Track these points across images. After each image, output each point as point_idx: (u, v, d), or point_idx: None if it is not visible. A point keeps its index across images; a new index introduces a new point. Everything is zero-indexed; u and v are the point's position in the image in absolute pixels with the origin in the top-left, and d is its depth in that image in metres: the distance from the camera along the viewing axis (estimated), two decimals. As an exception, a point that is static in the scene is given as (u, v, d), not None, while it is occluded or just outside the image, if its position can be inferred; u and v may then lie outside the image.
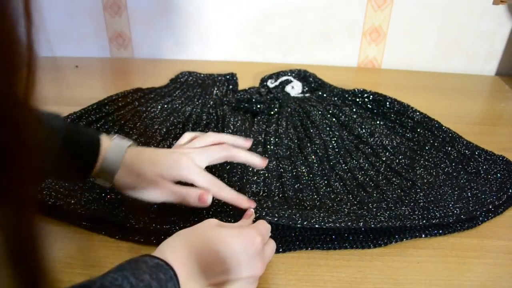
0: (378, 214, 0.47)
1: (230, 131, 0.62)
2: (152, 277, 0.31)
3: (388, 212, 0.47)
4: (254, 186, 0.52)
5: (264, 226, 0.41)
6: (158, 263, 0.33)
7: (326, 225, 0.44)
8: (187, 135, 0.51)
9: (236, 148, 0.49)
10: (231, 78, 0.84)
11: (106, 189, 0.48)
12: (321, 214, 0.45)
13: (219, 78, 0.84)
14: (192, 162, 0.45)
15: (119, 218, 0.46)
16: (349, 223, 0.44)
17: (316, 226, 0.44)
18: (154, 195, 0.44)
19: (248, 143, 0.52)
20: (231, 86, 0.82)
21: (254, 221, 0.43)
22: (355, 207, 0.49)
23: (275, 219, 0.43)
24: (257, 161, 0.49)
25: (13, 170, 0.19)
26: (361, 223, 0.44)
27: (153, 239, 0.45)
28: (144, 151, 0.46)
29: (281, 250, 0.44)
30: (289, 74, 0.82)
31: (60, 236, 0.46)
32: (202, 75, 0.85)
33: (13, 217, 0.20)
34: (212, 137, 0.50)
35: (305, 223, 0.44)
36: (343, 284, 0.41)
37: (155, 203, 0.46)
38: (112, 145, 0.44)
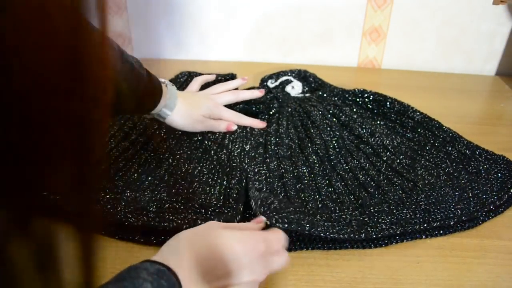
0: (380, 220, 0.47)
1: (231, 138, 0.63)
2: (154, 286, 0.31)
3: (389, 217, 0.47)
4: (257, 184, 0.52)
5: (274, 235, 0.39)
6: (159, 269, 0.32)
7: (330, 235, 0.44)
8: (196, 83, 0.71)
9: (240, 91, 0.70)
10: (231, 78, 0.84)
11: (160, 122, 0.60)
12: (326, 224, 0.45)
13: (219, 78, 0.84)
14: (218, 103, 0.65)
15: (118, 217, 0.46)
16: (351, 235, 0.44)
17: (322, 235, 0.44)
18: (197, 127, 0.62)
19: (244, 81, 0.73)
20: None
21: (265, 228, 0.43)
22: (357, 212, 0.49)
23: (286, 226, 0.42)
24: (257, 93, 0.70)
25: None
26: (363, 234, 0.45)
27: (153, 239, 0.45)
28: (187, 97, 0.63)
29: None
30: (289, 74, 0.82)
31: (60, 236, 0.46)
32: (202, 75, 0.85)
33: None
34: (222, 87, 0.70)
35: (312, 230, 0.43)
36: (343, 284, 0.41)
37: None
38: (169, 88, 0.59)
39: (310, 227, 0.43)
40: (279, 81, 0.80)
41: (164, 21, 0.94)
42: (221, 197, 0.51)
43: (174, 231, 0.44)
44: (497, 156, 0.58)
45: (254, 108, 0.70)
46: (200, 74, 0.85)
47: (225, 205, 0.49)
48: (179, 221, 0.46)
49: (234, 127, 0.64)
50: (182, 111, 0.60)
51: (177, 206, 0.48)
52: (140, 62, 0.55)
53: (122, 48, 0.52)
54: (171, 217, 0.46)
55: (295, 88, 0.79)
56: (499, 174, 0.55)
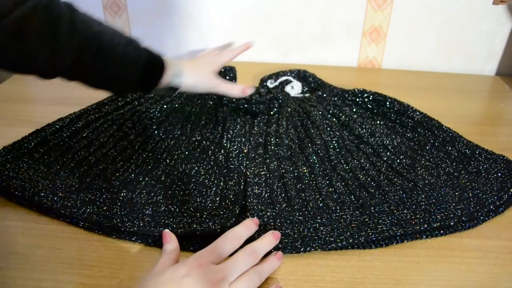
0: (380, 221, 0.47)
1: (230, 136, 0.63)
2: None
3: (390, 218, 0.47)
4: (256, 187, 0.52)
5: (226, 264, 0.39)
6: None
7: (328, 246, 0.44)
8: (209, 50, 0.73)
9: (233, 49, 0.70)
10: (230, 69, 0.84)
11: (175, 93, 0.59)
12: (323, 233, 0.46)
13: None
14: (216, 55, 0.67)
15: (114, 222, 0.46)
16: (350, 240, 0.45)
17: (318, 249, 0.44)
18: (209, 84, 0.61)
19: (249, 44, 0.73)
20: (227, 78, 0.82)
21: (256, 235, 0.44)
22: (357, 212, 0.49)
23: (279, 251, 0.44)
24: (245, 46, 0.72)
25: None
26: (363, 237, 0.45)
27: (150, 242, 0.45)
28: (186, 59, 0.63)
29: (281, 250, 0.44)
30: (288, 74, 0.82)
31: (60, 236, 0.46)
32: None
33: None
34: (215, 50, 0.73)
35: (307, 249, 0.44)
36: (343, 284, 0.41)
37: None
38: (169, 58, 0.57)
39: (304, 248, 0.44)
40: (278, 81, 0.80)
41: (164, 21, 0.94)
42: (217, 198, 0.51)
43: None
44: (497, 155, 0.58)
45: (254, 108, 0.70)
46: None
47: (221, 207, 0.49)
48: (174, 225, 0.46)
49: (250, 90, 0.63)
50: (190, 72, 0.59)
51: (173, 209, 0.48)
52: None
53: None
54: (166, 221, 0.46)
55: (294, 88, 0.79)
56: (499, 174, 0.55)
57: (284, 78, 0.80)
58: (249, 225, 0.44)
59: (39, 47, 0.43)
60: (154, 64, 0.54)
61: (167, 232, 0.43)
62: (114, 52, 0.48)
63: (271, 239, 0.43)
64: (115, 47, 0.49)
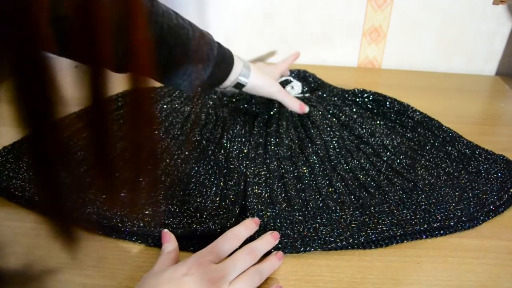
0: (380, 221, 0.47)
1: (230, 136, 0.63)
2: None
3: (390, 217, 0.47)
4: (256, 187, 0.52)
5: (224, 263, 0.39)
6: None
7: (328, 246, 0.44)
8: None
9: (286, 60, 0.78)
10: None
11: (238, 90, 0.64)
12: (323, 233, 0.46)
13: None
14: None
15: (114, 222, 0.46)
16: (350, 240, 0.45)
17: (318, 249, 0.44)
18: (271, 90, 0.65)
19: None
20: None
21: (255, 236, 0.44)
22: (357, 212, 0.49)
23: (279, 245, 0.44)
24: (295, 55, 0.79)
25: None
26: (362, 238, 0.45)
27: (150, 242, 0.45)
28: (260, 68, 0.66)
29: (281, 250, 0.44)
30: (289, 74, 0.82)
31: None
32: None
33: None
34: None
35: (307, 249, 0.44)
36: (343, 284, 0.41)
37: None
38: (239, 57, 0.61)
39: (304, 248, 0.44)
40: (278, 81, 0.80)
41: (164, 21, 0.94)
42: (217, 198, 0.51)
43: None
44: (497, 155, 0.58)
45: (254, 108, 0.70)
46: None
47: (221, 207, 0.49)
48: (174, 226, 0.46)
49: (307, 109, 0.67)
50: (257, 73, 0.62)
51: (173, 209, 0.48)
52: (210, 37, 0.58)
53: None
54: (166, 221, 0.46)
55: (294, 88, 0.79)
56: (499, 174, 0.55)
57: (284, 78, 0.80)
58: (249, 225, 0.44)
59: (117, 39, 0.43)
60: (225, 59, 0.57)
61: (166, 232, 0.43)
62: (189, 46, 0.49)
63: (270, 239, 0.43)
64: (190, 41, 0.49)
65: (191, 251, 0.43)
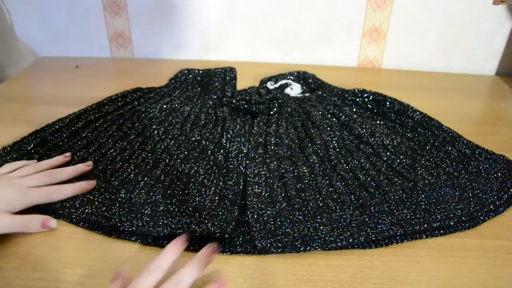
0: (380, 221, 0.47)
1: (229, 136, 0.63)
2: None
3: (390, 217, 0.47)
4: (256, 186, 0.52)
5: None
6: None
7: (328, 246, 0.44)
8: (8, 166, 0.52)
9: (59, 169, 0.52)
10: (230, 70, 0.84)
11: None
12: (323, 232, 0.46)
13: (218, 70, 0.85)
14: (25, 187, 0.47)
15: (113, 222, 0.46)
16: (350, 240, 0.45)
17: (318, 249, 0.44)
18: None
19: (66, 158, 0.56)
20: (227, 78, 0.82)
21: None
22: (357, 212, 0.49)
23: (279, 250, 0.44)
24: (82, 167, 0.54)
25: None
26: (362, 237, 0.45)
27: (150, 242, 0.45)
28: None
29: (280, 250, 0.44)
30: (288, 77, 0.82)
31: (60, 236, 0.46)
32: (201, 71, 0.85)
33: None
34: (31, 168, 0.51)
35: (307, 248, 0.44)
36: (343, 284, 0.41)
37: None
38: None
39: (304, 247, 0.44)
40: (278, 84, 0.81)
41: (163, 21, 0.94)
42: (216, 198, 0.51)
43: (168, 236, 0.44)
44: (497, 155, 0.58)
45: (254, 108, 0.70)
46: (199, 71, 0.85)
47: (220, 207, 0.49)
48: (173, 225, 0.46)
49: (52, 224, 0.46)
50: None
51: (172, 209, 0.48)
52: None
53: None
54: (165, 221, 0.46)
55: (294, 89, 0.80)
56: (499, 174, 0.55)
57: (284, 81, 0.81)
58: (168, 251, 0.39)
59: None
60: None
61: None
62: None
63: (196, 267, 0.38)
64: None
65: (191, 251, 0.43)
